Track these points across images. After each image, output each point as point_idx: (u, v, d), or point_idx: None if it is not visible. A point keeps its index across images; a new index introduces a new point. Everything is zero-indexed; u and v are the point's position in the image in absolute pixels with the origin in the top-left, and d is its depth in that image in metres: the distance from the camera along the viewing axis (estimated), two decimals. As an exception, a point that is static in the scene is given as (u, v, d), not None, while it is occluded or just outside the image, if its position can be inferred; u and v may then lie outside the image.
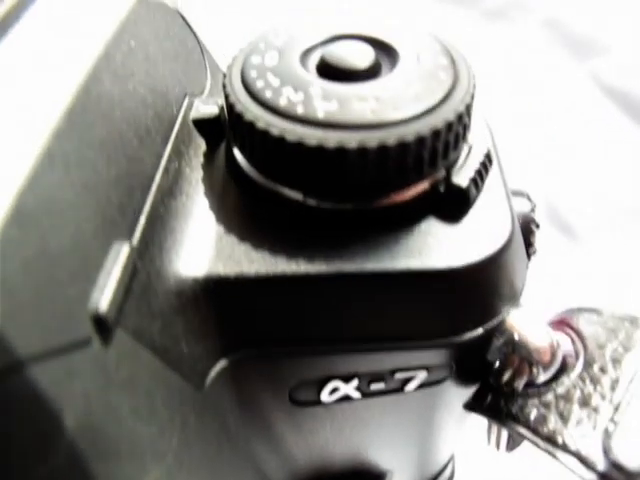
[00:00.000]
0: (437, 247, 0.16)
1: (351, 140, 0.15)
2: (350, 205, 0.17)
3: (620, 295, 0.38)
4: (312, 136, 0.15)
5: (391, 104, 0.16)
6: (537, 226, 0.20)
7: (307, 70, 0.17)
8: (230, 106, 0.17)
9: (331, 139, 0.15)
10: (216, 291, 0.16)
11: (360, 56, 0.17)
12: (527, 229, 0.20)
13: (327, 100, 0.16)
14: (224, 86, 0.17)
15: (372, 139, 0.15)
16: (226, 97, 0.17)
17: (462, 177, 0.17)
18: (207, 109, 0.19)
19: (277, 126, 0.16)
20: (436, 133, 0.16)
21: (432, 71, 0.17)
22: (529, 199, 0.21)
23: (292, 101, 0.16)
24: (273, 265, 0.16)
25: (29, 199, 0.12)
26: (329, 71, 0.17)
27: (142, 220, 0.15)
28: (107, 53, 0.16)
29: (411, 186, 0.17)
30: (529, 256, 0.20)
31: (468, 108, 0.17)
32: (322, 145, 0.15)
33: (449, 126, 0.16)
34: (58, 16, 0.16)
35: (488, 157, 0.18)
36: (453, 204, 0.17)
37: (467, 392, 0.20)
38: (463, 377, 0.19)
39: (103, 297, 0.13)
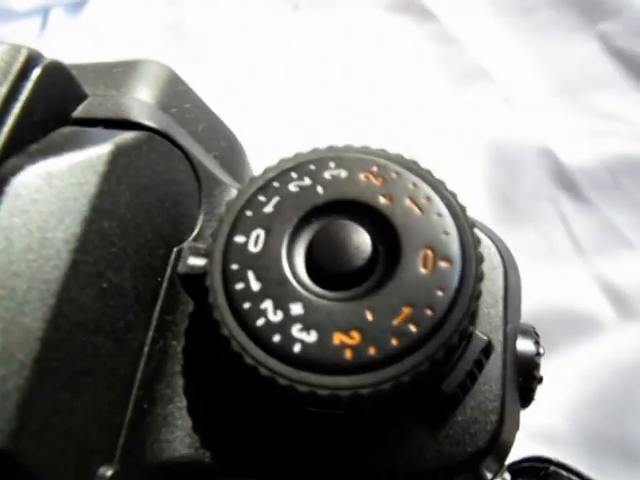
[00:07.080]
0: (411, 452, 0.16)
1: (323, 386, 0.15)
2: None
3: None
4: (285, 374, 0.15)
5: (373, 338, 0.15)
6: (540, 381, 0.19)
7: (292, 267, 0.16)
8: (209, 305, 0.16)
9: (303, 382, 0.15)
10: None
11: (354, 251, 0.16)
12: (527, 387, 0.19)
13: (306, 330, 0.15)
14: (206, 271, 0.16)
15: (345, 388, 0.15)
16: (205, 287, 0.16)
17: (449, 382, 0.16)
18: (194, 262, 0.18)
19: (251, 354, 0.15)
20: (421, 375, 0.15)
21: (431, 278, 0.15)
22: (536, 339, 0.20)
23: (270, 323, 0.15)
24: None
25: None
26: (316, 272, 0.16)
27: (124, 432, 0.16)
28: (75, 267, 0.15)
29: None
30: (525, 407, 0.19)
31: (464, 332, 0.15)
32: (293, 387, 0.15)
33: (436, 362, 0.15)
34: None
35: (486, 351, 0.17)
36: (436, 408, 0.17)
37: None
38: None
39: None
